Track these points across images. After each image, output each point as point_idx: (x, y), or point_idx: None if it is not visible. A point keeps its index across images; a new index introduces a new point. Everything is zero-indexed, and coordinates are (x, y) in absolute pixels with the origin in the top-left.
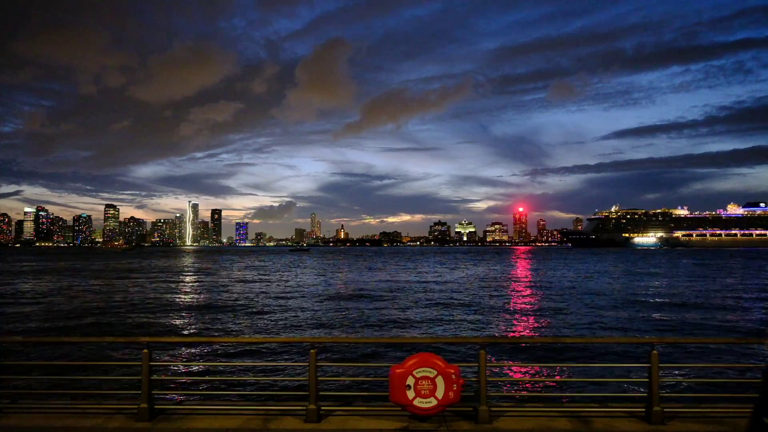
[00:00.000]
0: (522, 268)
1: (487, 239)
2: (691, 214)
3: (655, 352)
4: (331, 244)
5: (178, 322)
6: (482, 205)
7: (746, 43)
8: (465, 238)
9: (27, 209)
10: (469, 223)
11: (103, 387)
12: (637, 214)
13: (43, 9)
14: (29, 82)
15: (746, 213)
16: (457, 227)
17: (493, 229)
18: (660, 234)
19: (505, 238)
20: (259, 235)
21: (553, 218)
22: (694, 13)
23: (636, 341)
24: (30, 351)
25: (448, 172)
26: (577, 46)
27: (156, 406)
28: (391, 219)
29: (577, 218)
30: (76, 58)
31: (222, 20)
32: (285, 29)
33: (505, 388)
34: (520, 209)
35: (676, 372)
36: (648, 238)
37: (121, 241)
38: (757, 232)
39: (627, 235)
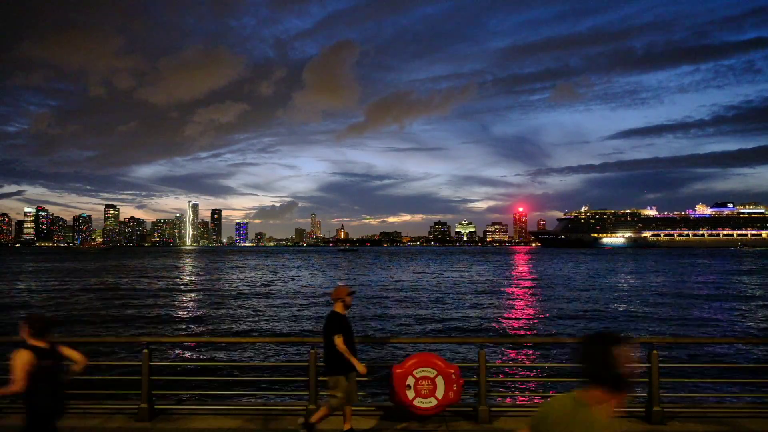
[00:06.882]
0: (520, 269)
1: (487, 239)
2: (659, 214)
3: (655, 352)
4: (331, 244)
5: (178, 322)
6: (482, 205)
7: (757, 43)
8: (465, 238)
9: (27, 209)
10: (469, 223)
11: (103, 387)
12: (606, 214)
13: (55, 11)
14: (38, 83)
15: (714, 213)
16: (457, 227)
17: (493, 229)
18: (628, 234)
19: (505, 238)
20: (259, 235)
21: (553, 218)
22: (705, 12)
23: (636, 341)
24: None
25: (448, 172)
26: (587, 46)
27: (156, 406)
28: (391, 219)
29: None
30: (87, 61)
31: (233, 19)
32: (295, 28)
33: (505, 388)
34: (520, 209)
35: (676, 372)
36: (616, 239)
37: (98, 241)
38: (725, 232)
39: (596, 235)
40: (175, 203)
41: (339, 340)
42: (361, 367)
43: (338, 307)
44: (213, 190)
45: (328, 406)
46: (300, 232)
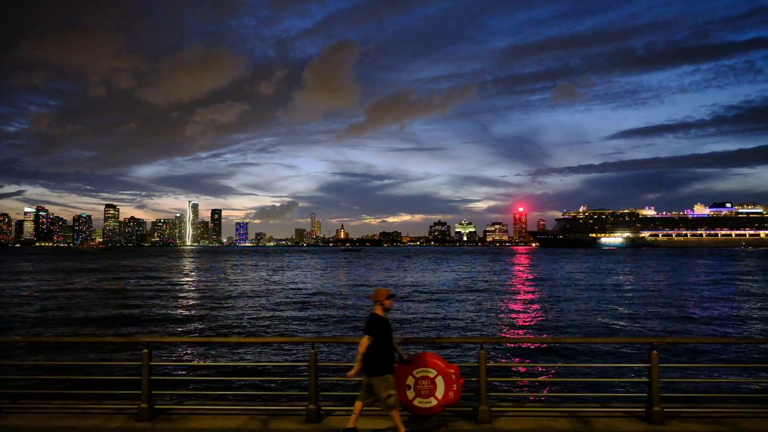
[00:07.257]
0: (520, 269)
1: (487, 239)
2: (658, 214)
3: (655, 352)
4: (331, 244)
5: (178, 322)
6: (482, 205)
7: (758, 43)
8: (465, 238)
9: (27, 209)
10: (469, 223)
11: (103, 387)
12: (604, 214)
13: (55, 11)
14: (38, 83)
15: (712, 213)
16: (457, 227)
17: (493, 229)
18: (627, 234)
19: (505, 238)
20: (259, 235)
21: (553, 218)
22: (706, 12)
23: (636, 341)
24: (30, 351)
25: (448, 172)
26: (588, 46)
27: (156, 406)
28: (391, 219)
29: None
30: (87, 61)
31: (233, 19)
32: (296, 28)
33: (505, 388)
34: (520, 209)
35: (676, 372)
36: (614, 238)
37: (98, 241)
38: (723, 232)
39: (594, 235)
40: (175, 203)
41: (364, 341)
42: (352, 371)
43: (378, 310)
44: (213, 190)
45: (388, 406)
46: (300, 232)
